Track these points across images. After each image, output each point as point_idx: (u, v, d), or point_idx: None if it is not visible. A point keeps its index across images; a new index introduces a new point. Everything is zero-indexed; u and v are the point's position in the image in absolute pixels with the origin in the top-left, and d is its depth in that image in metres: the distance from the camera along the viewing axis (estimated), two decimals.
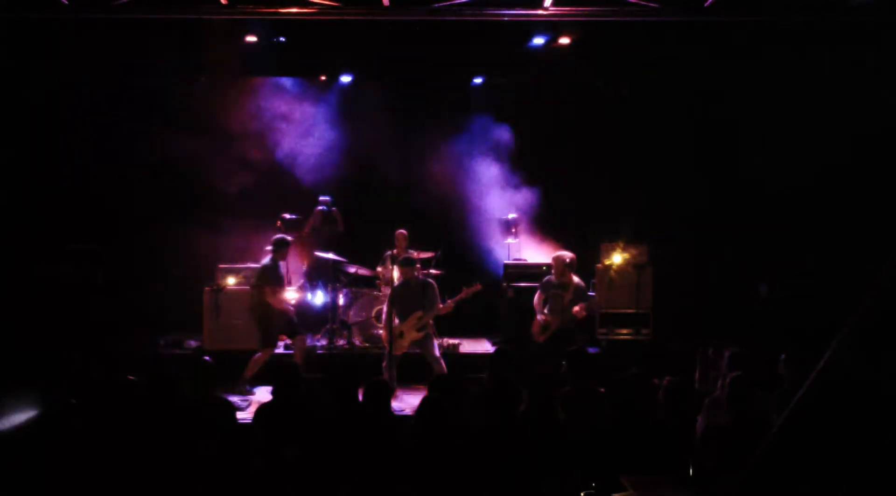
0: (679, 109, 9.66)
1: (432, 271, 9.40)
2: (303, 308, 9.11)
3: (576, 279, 8.10)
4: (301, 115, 9.95)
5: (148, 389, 4.82)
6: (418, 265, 8.28)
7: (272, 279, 7.87)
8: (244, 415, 6.49)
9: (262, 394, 7.63)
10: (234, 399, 7.22)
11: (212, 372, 5.12)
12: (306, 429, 4.73)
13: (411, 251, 9.10)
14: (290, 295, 8.53)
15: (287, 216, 9.26)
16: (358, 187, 10.16)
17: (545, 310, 8.10)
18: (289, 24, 8.75)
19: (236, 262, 8.89)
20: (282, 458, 4.34)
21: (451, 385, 5.15)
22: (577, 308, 7.89)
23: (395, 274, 8.54)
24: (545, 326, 7.98)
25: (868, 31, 8.01)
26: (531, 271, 8.92)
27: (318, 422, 4.84)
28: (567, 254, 8.17)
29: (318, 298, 9.31)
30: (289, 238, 8.17)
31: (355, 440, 4.60)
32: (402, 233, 9.16)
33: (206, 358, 5.34)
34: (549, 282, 8.17)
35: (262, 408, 5.15)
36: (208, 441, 4.37)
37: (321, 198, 9.62)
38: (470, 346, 9.13)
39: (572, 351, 5.63)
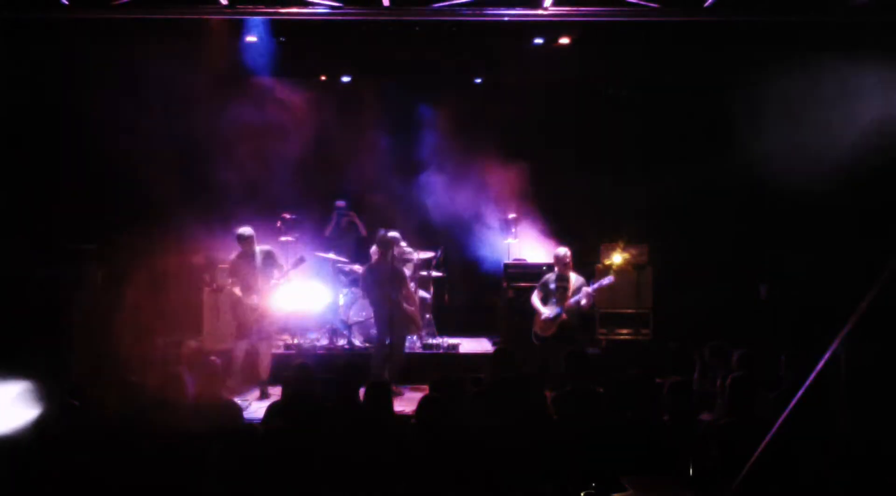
0: (679, 109, 9.66)
1: (433, 272, 9.42)
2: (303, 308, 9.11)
3: (574, 273, 8.11)
4: (300, 115, 9.94)
5: (153, 389, 4.84)
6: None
7: (229, 273, 8.01)
8: (245, 415, 6.48)
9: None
10: (237, 399, 7.24)
11: (218, 372, 5.13)
12: (316, 427, 4.74)
13: (409, 251, 9.12)
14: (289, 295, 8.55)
15: (287, 216, 9.26)
16: (357, 187, 10.15)
17: (548, 306, 8.09)
18: (289, 24, 8.75)
19: None
20: (287, 462, 4.34)
21: (451, 385, 5.15)
22: (584, 301, 7.91)
23: None
24: (555, 317, 7.96)
25: (868, 31, 8.00)
26: (531, 271, 8.91)
27: (324, 421, 4.85)
28: (567, 250, 8.17)
29: (319, 298, 9.30)
30: (248, 230, 7.97)
31: (356, 440, 4.60)
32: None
33: (213, 358, 5.35)
34: (547, 279, 8.18)
35: (273, 407, 5.14)
36: (212, 441, 4.37)
37: (337, 203, 9.64)
38: (470, 346, 9.14)
39: (571, 351, 5.63)
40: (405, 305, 8.07)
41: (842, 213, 8.54)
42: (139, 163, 9.36)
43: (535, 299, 8.18)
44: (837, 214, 8.56)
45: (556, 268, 8.16)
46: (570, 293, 7.97)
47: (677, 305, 9.08)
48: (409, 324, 8.22)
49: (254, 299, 7.81)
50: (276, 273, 7.92)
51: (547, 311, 8.01)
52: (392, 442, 4.59)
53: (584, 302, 7.90)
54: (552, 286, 8.09)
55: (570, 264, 8.12)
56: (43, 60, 8.83)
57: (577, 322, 8.07)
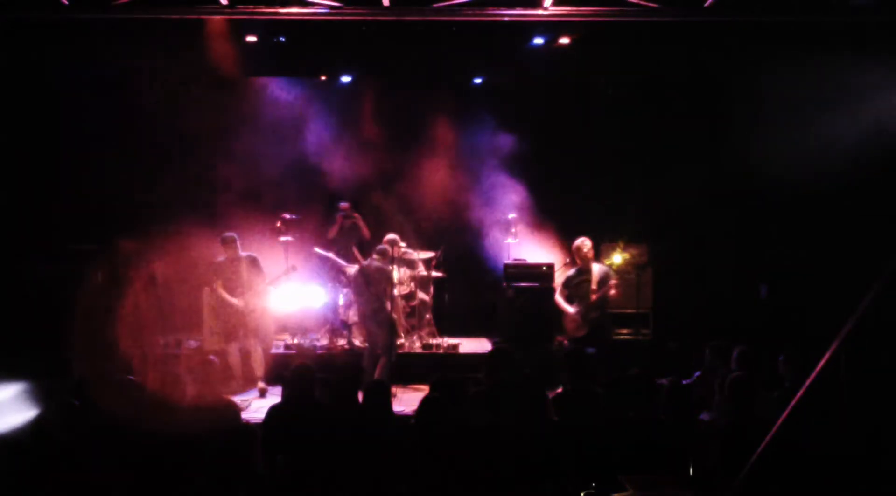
0: (679, 109, 9.65)
1: (433, 272, 9.42)
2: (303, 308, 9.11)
3: (595, 263, 8.07)
4: (300, 115, 9.94)
5: (153, 389, 4.84)
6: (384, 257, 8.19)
7: (214, 275, 8.05)
8: (245, 416, 6.48)
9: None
10: (237, 399, 7.25)
11: (217, 372, 5.13)
12: (317, 430, 4.74)
13: (409, 251, 9.13)
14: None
15: (287, 216, 9.25)
16: (357, 187, 10.15)
17: (574, 304, 8.01)
18: (289, 24, 8.75)
19: None
20: (288, 462, 4.34)
21: (451, 385, 5.15)
22: (612, 285, 7.86)
23: (395, 274, 8.56)
24: (584, 316, 7.91)
25: (868, 32, 8.00)
26: (531, 271, 8.90)
27: (323, 422, 4.85)
28: (584, 240, 8.08)
29: (319, 298, 9.30)
30: (230, 235, 8.07)
31: (356, 440, 4.61)
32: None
33: (211, 357, 5.36)
34: (568, 277, 8.10)
35: (274, 409, 5.14)
36: (212, 441, 4.38)
37: (340, 204, 9.64)
38: (470, 346, 9.13)
39: (570, 351, 5.63)
40: (391, 309, 8.07)
41: (842, 212, 8.53)
42: (139, 163, 9.38)
43: (560, 299, 8.08)
44: (837, 214, 8.55)
45: (576, 262, 8.08)
46: (594, 285, 7.90)
47: (677, 305, 9.07)
48: (395, 327, 8.21)
49: (238, 302, 7.89)
50: (259, 279, 7.97)
51: (573, 310, 7.95)
52: (392, 442, 4.59)
53: (612, 292, 7.88)
54: (575, 282, 8.02)
55: (591, 255, 8.06)
56: (43, 60, 8.84)
57: (609, 320, 8.04)
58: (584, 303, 7.91)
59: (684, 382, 5.53)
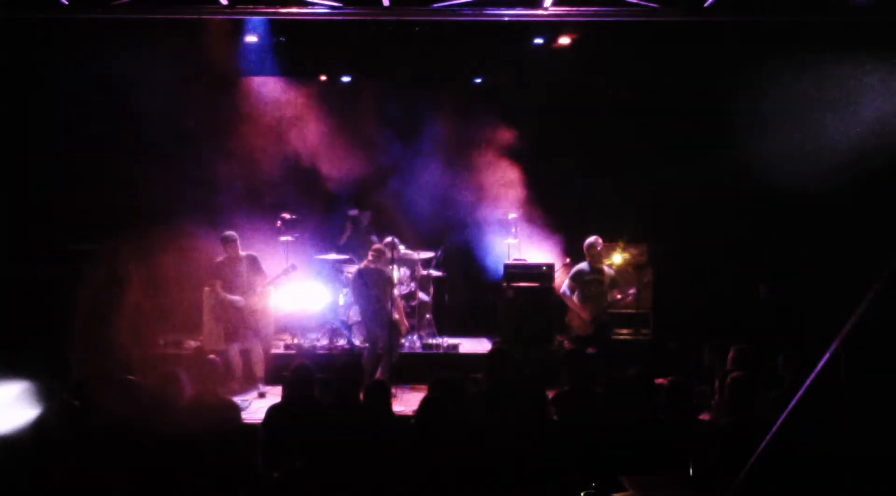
0: (679, 109, 9.65)
1: (433, 272, 9.42)
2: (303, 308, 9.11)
3: (605, 266, 8.09)
4: (300, 115, 9.94)
5: (153, 388, 4.85)
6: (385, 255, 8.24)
7: (214, 275, 8.06)
8: (245, 416, 6.48)
9: None
10: (237, 399, 7.25)
11: (217, 372, 5.14)
12: (317, 430, 4.74)
13: (409, 251, 9.14)
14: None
15: (286, 216, 9.26)
16: (357, 187, 10.15)
17: (576, 298, 8.00)
18: (289, 24, 8.75)
19: None
20: (288, 462, 4.34)
21: (451, 385, 5.15)
22: (630, 294, 7.90)
23: (395, 274, 8.56)
24: (595, 318, 7.90)
25: (868, 31, 8.00)
26: (531, 271, 8.89)
27: (323, 422, 4.85)
28: (597, 239, 8.09)
29: (319, 298, 9.30)
30: (231, 234, 8.09)
31: (355, 440, 4.61)
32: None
33: (212, 357, 5.37)
34: (581, 271, 8.08)
35: (274, 409, 5.15)
36: (212, 441, 4.38)
37: (350, 211, 9.67)
38: (470, 346, 9.14)
39: (570, 351, 5.64)
40: (392, 310, 8.06)
41: (842, 212, 8.53)
42: (140, 162, 9.37)
43: (568, 291, 8.05)
44: (837, 214, 8.55)
45: (586, 259, 8.06)
46: (605, 287, 7.90)
47: (677, 305, 9.07)
48: (397, 328, 8.20)
49: (238, 301, 7.89)
50: (259, 279, 7.97)
51: (587, 313, 7.93)
52: (392, 442, 4.60)
53: (629, 300, 7.98)
54: (587, 279, 8.00)
55: (603, 254, 8.05)
56: (43, 60, 8.84)
57: (612, 321, 8.08)
58: (594, 302, 7.91)
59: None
